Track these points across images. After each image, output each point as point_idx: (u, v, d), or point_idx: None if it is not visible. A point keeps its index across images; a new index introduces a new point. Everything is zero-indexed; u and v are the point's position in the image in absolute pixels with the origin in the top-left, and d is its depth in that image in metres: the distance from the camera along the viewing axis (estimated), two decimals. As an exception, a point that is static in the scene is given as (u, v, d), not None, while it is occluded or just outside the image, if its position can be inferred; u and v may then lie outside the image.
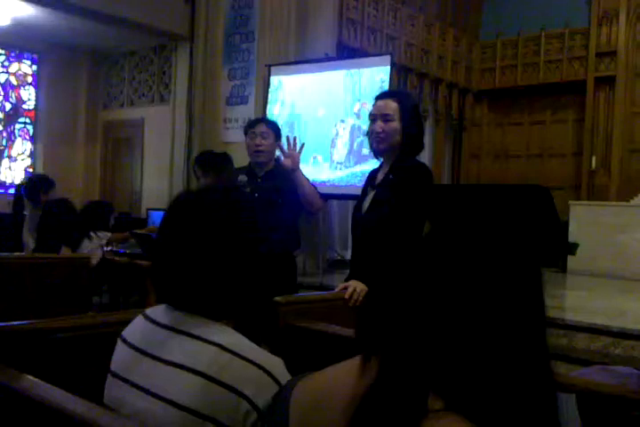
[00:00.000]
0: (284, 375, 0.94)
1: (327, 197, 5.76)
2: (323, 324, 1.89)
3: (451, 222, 0.74)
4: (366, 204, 2.42)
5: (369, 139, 2.43)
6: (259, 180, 3.08)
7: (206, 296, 1.01)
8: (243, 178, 3.09)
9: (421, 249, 0.73)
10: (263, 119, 3.47)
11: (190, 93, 6.63)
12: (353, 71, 5.70)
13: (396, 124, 2.34)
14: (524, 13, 9.09)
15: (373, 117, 2.40)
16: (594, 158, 8.52)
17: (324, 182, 5.67)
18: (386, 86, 5.45)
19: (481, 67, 9.61)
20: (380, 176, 2.43)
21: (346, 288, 2.22)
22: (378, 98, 2.44)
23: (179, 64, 6.85)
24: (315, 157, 5.79)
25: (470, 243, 0.71)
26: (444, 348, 0.68)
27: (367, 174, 2.57)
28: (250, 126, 3.18)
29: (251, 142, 3.12)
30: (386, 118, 2.35)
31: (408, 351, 0.69)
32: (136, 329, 1.07)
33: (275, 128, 3.18)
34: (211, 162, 3.66)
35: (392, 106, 2.35)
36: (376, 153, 2.44)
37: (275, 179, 3.06)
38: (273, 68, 6.02)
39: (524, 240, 0.72)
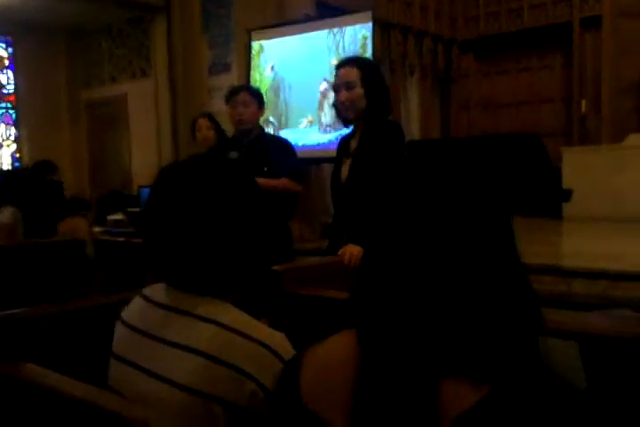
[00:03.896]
0: (287, 351, 0.93)
1: (319, 161, 5.74)
2: (324, 290, 1.89)
3: (430, 173, 0.75)
4: (344, 172, 2.42)
5: (336, 109, 2.43)
6: (244, 149, 3.06)
7: (202, 273, 0.98)
8: (234, 155, 3.05)
9: (398, 202, 0.75)
10: (243, 87, 3.42)
11: (171, 65, 6.51)
12: (335, 30, 5.59)
13: (359, 91, 2.33)
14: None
15: (337, 87, 2.39)
16: (584, 102, 8.45)
17: (315, 146, 5.64)
18: (369, 44, 5.35)
19: (464, 16, 9.43)
20: (353, 144, 2.43)
21: (344, 253, 2.23)
22: (338, 66, 2.43)
23: (157, 36, 6.69)
24: (303, 121, 5.74)
25: (443, 192, 0.73)
26: (429, 302, 0.68)
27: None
28: (231, 95, 3.13)
29: (233, 112, 3.08)
30: (348, 86, 2.34)
31: (396, 313, 0.70)
32: (135, 310, 1.06)
33: (256, 95, 3.14)
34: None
35: (353, 73, 2.34)
36: (345, 122, 2.44)
37: (260, 147, 3.04)
38: (253, 33, 5.90)
39: (498, 187, 0.74)
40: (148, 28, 6.84)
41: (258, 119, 3.15)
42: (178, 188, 0.98)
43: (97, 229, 4.34)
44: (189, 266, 0.98)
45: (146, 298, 1.05)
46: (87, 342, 1.35)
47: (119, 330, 1.06)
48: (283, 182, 2.96)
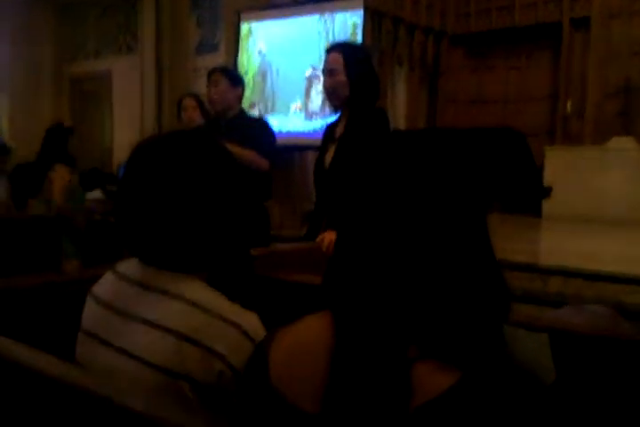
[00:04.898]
0: (258, 332, 0.92)
1: (303, 148, 5.72)
2: (298, 275, 1.89)
3: (409, 160, 0.74)
4: (328, 158, 2.41)
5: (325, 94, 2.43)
6: (222, 130, 3.05)
7: (176, 249, 0.96)
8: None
9: (373, 187, 0.74)
10: (217, 68, 3.43)
11: (158, 43, 6.41)
12: (326, 15, 5.55)
13: (341, 78, 2.30)
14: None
15: (323, 73, 2.38)
16: (569, 103, 8.51)
17: (300, 133, 5.61)
18: (359, 31, 5.33)
19: (456, 11, 9.41)
20: (339, 130, 2.42)
21: (323, 239, 2.23)
22: (326, 51, 2.40)
23: (145, 13, 6.59)
24: (292, 106, 5.70)
25: (420, 180, 0.72)
26: (401, 287, 0.69)
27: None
28: (207, 77, 3.19)
29: (208, 92, 3.12)
30: (332, 73, 2.32)
31: (368, 298, 0.70)
32: (106, 286, 1.04)
33: (229, 74, 3.17)
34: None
35: (336, 59, 2.32)
36: (332, 107, 2.43)
37: (238, 128, 3.03)
38: (243, 14, 5.84)
39: (476, 178, 0.74)
40: (136, 4, 6.73)
41: (234, 99, 3.14)
42: (152, 162, 0.96)
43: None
44: (163, 242, 0.96)
45: (118, 274, 1.03)
46: (58, 317, 1.32)
47: (90, 305, 1.04)
48: (250, 154, 2.90)
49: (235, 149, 2.74)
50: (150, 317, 0.93)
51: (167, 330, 0.91)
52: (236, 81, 3.17)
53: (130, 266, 1.02)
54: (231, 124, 3.08)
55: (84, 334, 1.02)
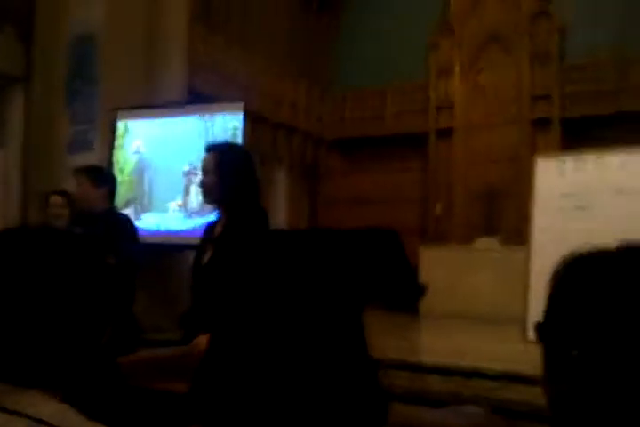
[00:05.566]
0: None
1: (181, 248, 5.55)
2: (169, 383, 1.73)
3: (283, 260, 0.73)
4: (206, 258, 2.37)
5: None
6: (88, 226, 3.02)
7: (25, 361, 0.83)
8: (77, 230, 2.94)
9: (243, 288, 0.72)
10: (79, 169, 3.48)
11: (27, 139, 6.17)
12: (206, 117, 5.62)
13: (212, 178, 2.34)
14: (370, 65, 9.60)
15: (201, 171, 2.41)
16: (438, 205, 9.05)
17: (178, 231, 5.46)
18: (239, 134, 5.42)
19: (332, 117, 9.98)
20: (217, 229, 2.41)
21: (198, 344, 2.09)
22: (204, 151, 2.45)
23: (13, 107, 6.35)
24: (171, 204, 5.58)
25: (294, 281, 0.71)
26: (274, 401, 0.65)
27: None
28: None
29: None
30: (205, 173, 2.37)
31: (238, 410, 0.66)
32: None
33: (91, 175, 3.25)
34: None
35: (209, 160, 2.37)
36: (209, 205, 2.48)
37: (100, 223, 3.02)
38: (120, 113, 5.78)
39: (350, 278, 0.73)
40: (4, 98, 6.50)
41: (99, 199, 3.22)
42: (2, 261, 0.85)
43: None
44: (11, 355, 0.82)
45: None
46: None
47: None
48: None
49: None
50: None
51: None
52: (101, 181, 3.22)
53: None
54: (95, 220, 3.04)
55: None
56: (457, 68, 9.15)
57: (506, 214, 8.68)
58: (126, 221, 3.19)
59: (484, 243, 7.85)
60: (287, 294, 0.69)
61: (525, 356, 3.84)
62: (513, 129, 8.94)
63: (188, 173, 5.51)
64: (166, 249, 5.59)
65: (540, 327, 0.71)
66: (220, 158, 2.35)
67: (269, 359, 0.66)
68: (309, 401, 0.65)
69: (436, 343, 5.48)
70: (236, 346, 0.69)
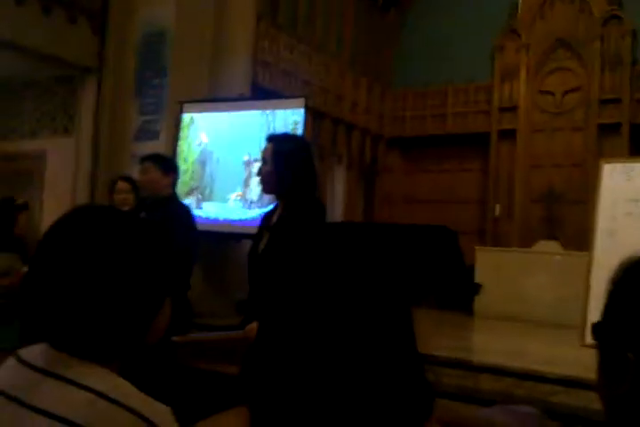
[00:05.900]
0: (169, 426, 0.83)
1: (239, 237, 5.67)
2: (220, 364, 1.79)
3: (339, 254, 0.73)
4: (262, 246, 2.41)
5: None
6: (147, 207, 3.12)
7: (86, 335, 0.87)
8: (142, 215, 3.05)
9: (299, 278, 0.73)
10: (149, 156, 3.55)
11: (97, 127, 6.41)
12: (268, 112, 5.72)
13: (269, 168, 2.36)
14: (432, 65, 9.55)
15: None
16: (497, 206, 8.91)
17: (237, 221, 5.58)
18: (300, 128, 5.48)
19: (392, 115, 9.96)
20: (274, 218, 2.43)
21: (252, 330, 2.14)
22: (265, 141, 2.49)
23: (85, 96, 6.61)
24: (231, 195, 5.71)
25: (347, 273, 0.71)
26: (317, 385, 0.66)
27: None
28: (140, 163, 3.39)
29: (139, 178, 3.36)
30: (264, 162, 2.39)
31: (285, 393, 0.67)
32: (5, 372, 0.92)
33: (160, 162, 3.30)
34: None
35: (268, 149, 2.39)
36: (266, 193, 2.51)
37: (159, 212, 3.09)
38: (185, 105, 5.95)
39: (404, 274, 0.74)
40: (77, 88, 6.77)
41: (165, 186, 3.25)
42: (68, 237, 0.90)
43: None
44: (73, 325, 0.87)
45: (19, 359, 0.92)
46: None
47: None
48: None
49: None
50: (48, 406, 0.82)
51: (65, 421, 0.80)
52: (168, 169, 3.29)
53: (34, 351, 0.92)
54: (157, 206, 3.15)
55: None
56: (523, 71, 8.99)
57: (567, 219, 8.48)
58: (185, 210, 3.28)
59: (544, 246, 7.69)
60: (338, 285, 0.69)
61: (582, 360, 3.76)
62: (578, 133, 8.72)
63: (247, 163, 5.61)
64: (225, 238, 5.71)
65: (596, 327, 0.71)
66: (278, 148, 2.36)
67: (316, 349, 0.67)
68: (354, 391, 0.65)
69: (490, 344, 5.41)
70: (284, 334, 0.69)
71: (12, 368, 0.92)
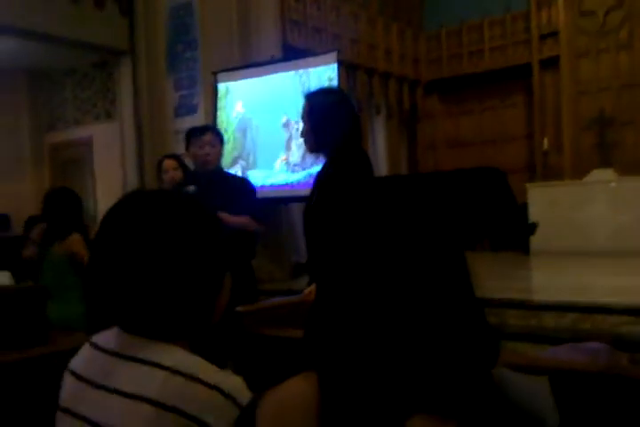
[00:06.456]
0: (242, 395, 0.87)
1: (287, 201, 5.74)
2: (288, 330, 1.85)
3: (388, 206, 0.73)
4: (313, 205, 2.40)
5: None
6: (203, 183, 3.08)
7: (154, 316, 0.91)
8: (191, 189, 3.04)
9: (352, 234, 0.72)
10: (208, 127, 3.46)
11: (137, 108, 6.50)
12: (301, 71, 5.67)
13: (306, 125, 2.34)
14: (463, 1, 9.18)
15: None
16: (546, 140, 8.66)
17: (283, 185, 5.64)
18: (334, 84, 5.43)
19: (428, 58, 9.69)
20: (321, 174, 2.43)
21: (310, 293, 2.18)
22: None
23: (122, 79, 6.69)
24: (272, 161, 5.75)
25: (399, 225, 0.70)
26: (384, 341, 0.66)
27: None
28: (194, 135, 3.15)
29: (199, 151, 3.10)
30: (303, 120, 2.36)
31: (351, 354, 0.67)
32: (82, 358, 1.00)
33: (220, 135, 3.21)
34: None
35: (305, 107, 2.35)
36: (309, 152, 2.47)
37: (219, 183, 3.06)
38: (219, 75, 5.95)
39: (456, 221, 0.73)
40: (113, 72, 6.86)
41: (220, 158, 3.22)
42: (128, 223, 0.93)
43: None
44: (141, 307, 0.91)
45: (93, 345, 1.00)
46: (36, 394, 1.27)
47: (66, 380, 1.00)
48: (243, 220, 2.95)
49: (229, 219, 2.75)
50: (126, 387, 0.89)
51: (144, 399, 0.86)
52: (224, 141, 3.24)
53: (106, 336, 0.99)
54: (212, 179, 3.09)
55: (61, 411, 0.98)
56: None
57: (621, 143, 8.19)
58: (244, 179, 3.26)
59: (598, 175, 7.48)
60: (390, 239, 0.69)
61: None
62: (624, 52, 8.30)
63: (285, 125, 5.61)
64: (274, 203, 5.80)
65: None
66: (312, 104, 2.31)
67: (375, 305, 0.66)
68: (420, 344, 0.66)
69: (552, 281, 5.37)
70: (341, 292, 0.69)
71: (86, 354, 0.99)
